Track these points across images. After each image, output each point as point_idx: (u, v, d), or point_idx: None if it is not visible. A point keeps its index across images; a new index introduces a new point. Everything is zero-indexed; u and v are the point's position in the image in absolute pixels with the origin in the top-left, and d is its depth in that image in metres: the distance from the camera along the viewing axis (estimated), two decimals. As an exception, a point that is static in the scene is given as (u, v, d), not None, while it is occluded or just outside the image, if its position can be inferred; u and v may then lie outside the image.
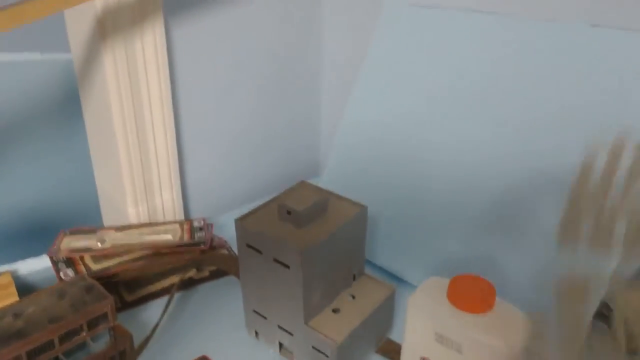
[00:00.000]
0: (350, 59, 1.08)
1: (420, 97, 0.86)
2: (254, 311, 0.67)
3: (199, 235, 0.84)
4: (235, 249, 0.88)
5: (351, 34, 1.06)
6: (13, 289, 0.73)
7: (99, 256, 0.79)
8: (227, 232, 0.94)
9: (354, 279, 0.69)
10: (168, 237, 0.83)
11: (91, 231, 0.84)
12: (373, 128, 0.91)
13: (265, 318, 0.66)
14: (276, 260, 0.59)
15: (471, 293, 0.47)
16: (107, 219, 0.98)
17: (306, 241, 0.58)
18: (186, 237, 0.83)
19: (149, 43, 0.80)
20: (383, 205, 0.83)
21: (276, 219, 0.63)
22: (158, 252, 0.80)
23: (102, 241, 0.80)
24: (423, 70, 0.87)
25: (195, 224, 0.88)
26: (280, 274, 0.60)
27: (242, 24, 0.96)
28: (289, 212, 0.61)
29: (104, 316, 0.64)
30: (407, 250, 0.80)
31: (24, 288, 0.77)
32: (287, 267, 0.58)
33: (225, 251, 0.86)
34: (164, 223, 0.89)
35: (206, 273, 0.84)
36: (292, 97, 1.11)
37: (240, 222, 0.63)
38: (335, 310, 0.64)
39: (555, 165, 0.68)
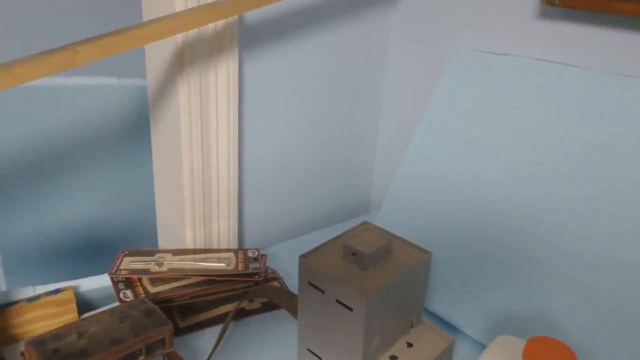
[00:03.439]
0: (409, 103, 1.08)
1: (483, 142, 0.85)
2: (309, 350, 0.66)
3: (253, 265, 0.84)
4: (286, 282, 0.88)
5: (413, 78, 1.07)
6: (73, 305, 0.74)
7: (156, 279, 0.80)
8: (278, 263, 0.94)
9: (412, 326, 0.67)
10: (223, 265, 0.84)
11: (149, 253, 0.86)
12: (434, 171, 0.90)
13: (319, 358, 0.65)
14: (339, 302, 0.59)
15: (550, 358, 0.45)
16: (163, 241, 0.99)
17: (372, 286, 0.57)
18: (241, 267, 0.83)
19: (222, 75, 0.82)
20: (439, 250, 0.82)
21: (339, 259, 0.63)
22: (213, 279, 0.80)
23: (160, 264, 0.82)
24: (487, 116, 0.86)
25: (250, 254, 0.88)
26: (342, 316, 0.59)
27: (307, 65, 0.98)
28: (354, 254, 0.61)
29: (162, 342, 0.64)
30: (464, 299, 0.78)
31: (83, 304, 0.78)
32: (350, 309, 0.58)
33: (277, 284, 0.86)
34: (219, 250, 0.90)
35: (257, 305, 0.84)
36: (350, 137, 1.12)
37: (304, 259, 0.63)
38: (392, 358, 0.62)
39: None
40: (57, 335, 0.60)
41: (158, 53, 0.83)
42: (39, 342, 0.59)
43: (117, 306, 0.67)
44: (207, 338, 0.75)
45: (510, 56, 0.87)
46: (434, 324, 0.71)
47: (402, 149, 1.09)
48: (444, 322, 0.79)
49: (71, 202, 0.93)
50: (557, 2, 0.79)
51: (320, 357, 0.65)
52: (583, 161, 0.73)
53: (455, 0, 0.95)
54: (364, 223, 0.69)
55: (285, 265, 0.93)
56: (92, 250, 0.99)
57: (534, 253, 0.73)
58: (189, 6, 0.73)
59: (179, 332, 0.77)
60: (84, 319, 0.64)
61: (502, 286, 0.75)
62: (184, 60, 0.79)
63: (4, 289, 0.95)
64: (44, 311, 0.72)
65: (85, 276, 0.83)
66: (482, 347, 0.72)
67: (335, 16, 0.98)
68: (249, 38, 0.88)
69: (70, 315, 0.74)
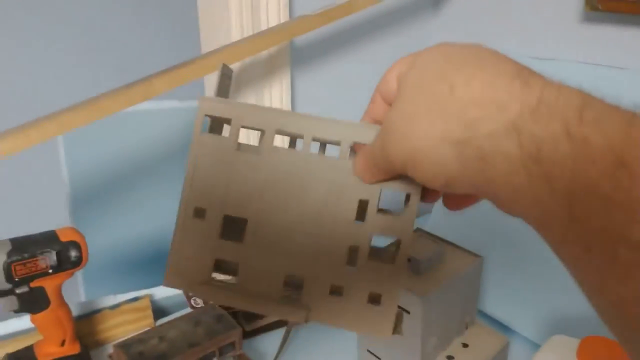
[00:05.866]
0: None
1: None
2: (368, 351, 0.70)
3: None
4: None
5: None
6: (150, 312, 0.81)
7: (222, 286, 0.86)
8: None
9: (466, 327, 0.70)
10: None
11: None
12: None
13: (379, 359, 0.69)
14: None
15: (604, 357, 0.47)
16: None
17: (427, 289, 0.61)
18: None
19: (276, 96, 0.88)
20: (493, 251, 0.84)
21: (394, 265, 0.67)
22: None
23: (225, 273, 0.88)
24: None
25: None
26: (399, 318, 0.63)
27: (356, 78, 1.02)
28: (408, 260, 0.65)
29: (232, 344, 0.70)
30: (518, 299, 0.80)
31: (158, 311, 0.85)
32: (407, 312, 0.61)
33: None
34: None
35: (316, 309, 0.88)
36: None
37: (361, 265, 0.67)
38: (449, 357, 0.66)
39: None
40: (140, 339, 0.67)
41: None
42: (126, 346, 0.65)
43: (191, 312, 0.73)
44: (269, 340, 0.81)
45: (555, 61, 0.88)
46: (487, 324, 0.73)
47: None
48: (497, 323, 0.81)
49: (145, 216, 1.01)
50: (600, 7, 0.80)
51: (380, 358, 0.69)
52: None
53: (499, 7, 0.97)
54: (417, 230, 0.72)
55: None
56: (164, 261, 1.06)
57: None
58: (245, 35, 0.79)
59: (245, 335, 0.83)
60: (162, 325, 0.70)
61: (556, 286, 0.76)
62: (240, 82, 0.85)
63: (83, 299, 1.04)
64: (124, 318, 0.79)
65: (159, 285, 0.90)
66: (536, 346, 0.74)
67: (379, 29, 1.02)
68: (300, 57, 0.93)
69: (146, 321, 0.81)
